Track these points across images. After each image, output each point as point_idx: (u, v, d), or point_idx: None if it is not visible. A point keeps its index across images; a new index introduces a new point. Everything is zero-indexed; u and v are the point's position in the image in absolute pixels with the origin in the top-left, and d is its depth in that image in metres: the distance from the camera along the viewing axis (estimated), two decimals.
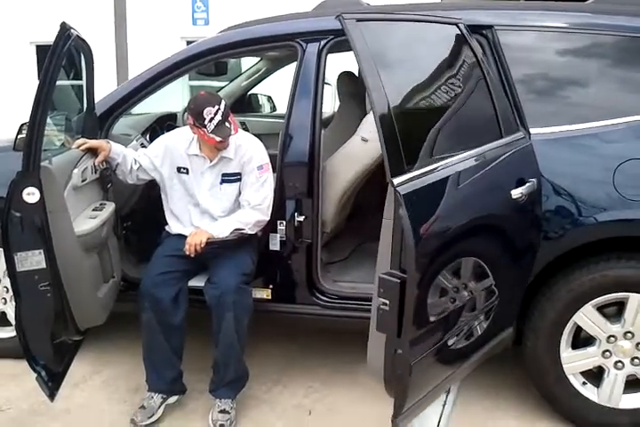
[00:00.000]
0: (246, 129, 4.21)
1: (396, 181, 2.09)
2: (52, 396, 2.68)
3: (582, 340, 2.79)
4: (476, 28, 2.77)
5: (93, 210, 2.98)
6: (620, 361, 2.73)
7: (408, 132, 2.21)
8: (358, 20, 2.19)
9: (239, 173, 2.98)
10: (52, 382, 2.67)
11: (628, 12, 2.87)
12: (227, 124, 2.79)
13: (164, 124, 4.06)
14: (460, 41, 2.66)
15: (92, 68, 3.14)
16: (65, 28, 2.65)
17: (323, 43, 3.02)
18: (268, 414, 3.00)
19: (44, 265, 2.56)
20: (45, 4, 12.00)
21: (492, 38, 2.82)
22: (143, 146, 3.42)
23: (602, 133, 2.71)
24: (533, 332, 2.79)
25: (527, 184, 2.57)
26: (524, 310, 2.81)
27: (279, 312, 3.17)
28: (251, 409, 3.01)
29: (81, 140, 2.98)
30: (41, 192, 2.52)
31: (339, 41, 3.01)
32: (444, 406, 3.00)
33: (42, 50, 12.65)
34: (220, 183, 2.99)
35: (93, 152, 3.00)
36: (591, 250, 2.71)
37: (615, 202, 2.63)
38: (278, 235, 3.05)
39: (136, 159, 3.07)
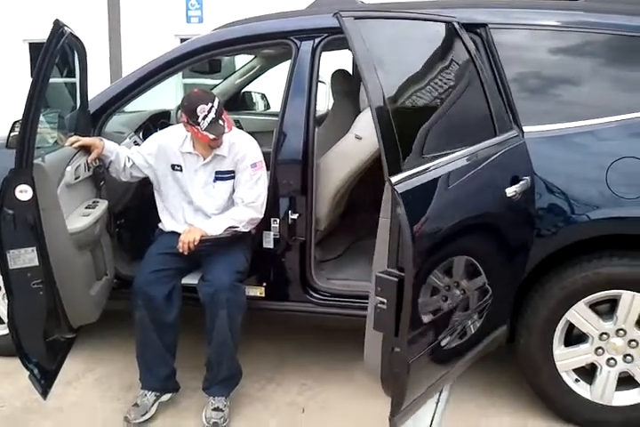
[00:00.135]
0: (240, 127, 4.21)
1: (394, 179, 2.09)
2: (44, 394, 2.67)
3: (575, 337, 2.80)
4: (469, 27, 2.77)
5: (86, 208, 2.97)
6: (612, 358, 2.74)
7: (405, 130, 2.22)
8: (356, 18, 2.19)
9: (233, 171, 2.98)
10: (44, 379, 2.67)
11: (621, 11, 2.87)
12: (220, 121, 2.79)
13: (158, 121, 4.05)
14: (455, 39, 2.66)
15: (85, 66, 3.13)
16: (58, 26, 2.64)
17: (317, 41, 3.01)
18: (261, 411, 3.00)
19: (36, 263, 2.56)
20: (38, 2, 11.97)
21: (485, 36, 2.82)
22: (136, 144, 3.42)
23: (595, 131, 2.71)
24: (526, 329, 2.79)
25: (521, 182, 2.58)
26: (516, 307, 2.81)
27: (273, 310, 3.17)
28: (244, 407, 3.01)
29: (74, 138, 2.98)
30: (34, 190, 2.51)
31: (333, 39, 3.01)
32: (437, 403, 3.00)
33: (35, 47, 12.63)
34: (214, 181, 2.99)
35: (86, 150, 3.00)
36: (584, 248, 2.71)
37: (608, 200, 2.63)
38: (272, 233, 3.06)
39: (129, 157, 3.07)
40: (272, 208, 3.01)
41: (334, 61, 4.16)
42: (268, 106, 5.76)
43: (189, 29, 11.37)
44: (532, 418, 2.91)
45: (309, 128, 3.00)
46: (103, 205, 3.07)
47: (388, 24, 2.47)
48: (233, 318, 2.83)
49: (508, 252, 2.70)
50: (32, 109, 2.49)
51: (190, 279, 3.01)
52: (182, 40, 9.81)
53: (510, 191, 2.52)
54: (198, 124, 2.76)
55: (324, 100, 5.43)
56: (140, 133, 3.75)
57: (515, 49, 2.84)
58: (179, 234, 2.88)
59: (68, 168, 2.82)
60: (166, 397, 2.99)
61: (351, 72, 4.29)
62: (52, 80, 2.60)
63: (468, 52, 2.68)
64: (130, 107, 3.52)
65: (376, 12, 2.56)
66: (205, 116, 2.74)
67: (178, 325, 2.92)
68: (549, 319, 2.75)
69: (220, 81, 5.30)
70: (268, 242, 3.07)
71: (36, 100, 2.50)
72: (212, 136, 2.79)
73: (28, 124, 2.49)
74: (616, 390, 2.76)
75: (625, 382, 2.77)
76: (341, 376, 3.27)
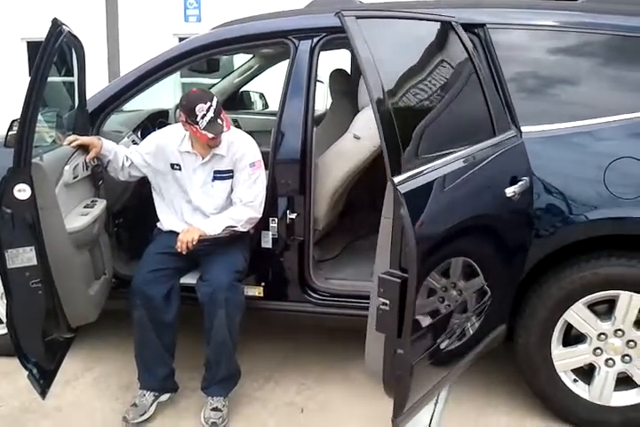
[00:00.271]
0: (238, 126, 4.20)
1: (397, 179, 2.08)
2: (43, 393, 2.67)
3: (573, 337, 2.80)
4: (468, 27, 2.77)
5: (85, 207, 2.97)
6: (610, 359, 2.74)
7: (407, 130, 2.21)
8: (358, 18, 2.18)
9: (231, 171, 2.97)
10: (43, 379, 2.66)
11: (619, 11, 2.87)
12: (219, 120, 2.79)
13: (156, 121, 4.05)
14: (455, 39, 2.66)
15: (83, 65, 3.12)
16: (56, 25, 2.63)
17: (315, 40, 3.01)
18: (260, 411, 3.00)
19: (35, 262, 2.55)
20: (37, 1, 11.94)
21: (483, 36, 2.83)
22: (135, 143, 3.41)
23: (593, 132, 2.72)
24: (524, 329, 2.80)
25: (520, 182, 2.58)
26: (515, 307, 2.81)
27: (271, 310, 3.17)
28: (243, 407, 3.01)
29: (72, 137, 2.97)
30: (32, 189, 2.51)
31: (331, 38, 3.01)
32: (435, 403, 3.00)
33: (33, 46, 12.61)
34: (212, 180, 2.99)
35: (85, 149, 2.99)
36: (582, 248, 2.72)
37: (606, 200, 2.64)
38: (270, 232, 3.05)
39: (128, 156, 3.07)
40: (270, 208, 3.01)
41: (333, 61, 4.16)
42: (266, 105, 5.75)
43: (187, 28, 11.36)
44: (530, 417, 2.92)
45: (308, 128, 3.00)
46: (102, 204, 3.07)
47: (389, 24, 2.47)
48: (231, 318, 2.83)
49: (507, 252, 2.70)
50: (30, 108, 2.49)
51: (189, 279, 3.01)
52: (180, 39, 9.83)
53: (509, 192, 2.52)
54: (197, 123, 2.76)
55: (323, 100, 5.44)
56: (139, 133, 3.75)
57: (513, 49, 2.85)
58: (177, 233, 2.88)
59: (67, 167, 2.82)
60: (165, 397, 2.98)
61: (349, 72, 4.29)
62: (50, 79, 2.60)
63: (468, 52, 2.68)
64: (128, 106, 3.52)
65: (377, 12, 2.56)
66: (204, 115, 2.74)
67: (176, 324, 2.92)
68: (548, 320, 2.75)
69: (218, 80, 5.30)
70: (267, 242, 3.07)
71: (35, 99, 2.50)
72: (210, 135, 2.79)
73: (26, 123, 2.49)
74: (614, 390, 2.76)
75: (623, 382, 2.77)
76: (341, 376, 3.27)
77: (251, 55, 4.97)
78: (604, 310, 2.74)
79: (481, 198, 2.53)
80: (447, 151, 2.36)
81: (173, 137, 3.00)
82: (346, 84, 3.95)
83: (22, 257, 2.54)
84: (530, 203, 2.67)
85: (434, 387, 2.43)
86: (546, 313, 2.74)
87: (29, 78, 2.53)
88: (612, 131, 2.70)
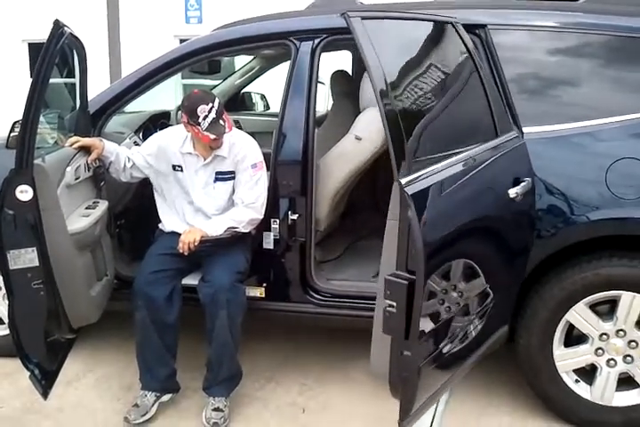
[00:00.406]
0: (240, 127, 4.21)
1: (404, 180, 2.06)
2: (45, 394, 2.67)
3: (575, 338, 2.80)
4: (469, 27, 2.78)
5: (86, 208, 2.97)
6: (612, 359, 2.74)
7: (413, 132, 2.21)
8: (363, 19, 2.18)
9: (233, 172, 2.98)
10: (45, 380, 2.67)
11: (620, 12, 2.88)
12: (221, 121, 2.79)
13: (158, 122, 4.06)
14: (456, 40, 2.66)
15: (85, 66, 3.13)
16: (58, 26, 2.64)
17: (316, 41, 3.01)
18: (261, 411, 3.00)
19: (37, 263, 2.56)
20: (38, 2, 11.97)
21: (484, 37, 2.83)
22: (136, 144, 3.42)
23: (594, 132, 2.72)
24: (526, 330, 2.79)
25: (522, 183, 2.58)
26: (516, 308, 2.81)
27: (273, 310, 3.17)
28: (244, 407, 3.01)
29: (74, 139, 2.98)
30: (34, 190, 2.51)
31: (332, 40, 3.01)
32: (437, 403, 3.00)
33: (34, 48, 12.62)
34: (214, 181, 2.99)
35: (86, 150, 3.00)
36: (583, 248, 2.72)
37: (607, 201, 2.64)
38: (272, 233, 3.06)
39: (129, 157, 3.07)
40: (272, 209, 3.01)
41: (334, 62, 4.16)
42: (267, 106, 5.76)
43: (189, 30, 11.37)
44: (532, 418, 2.92)
45: (309, 129, 3.00)
46: (103, 205, 3.07)
47: (394, 25, 2.47)
48: (233, 319, 2.83)
49: (511, 253, 2.71)
50: (32, 110, 2.49)
51: (190, 280, 3.01)
52: (181, 41, 9.81)
53: (512, 193, 2.52)
54: (199, 124, 2.76)
55: (324, 101, 5.44)
56: (140, 134, 3.75)
57: (514, 50, 2.85)
58: (179, 234, 2.88)
59: (69, 169, 2.83)
60: (166, 397, 2.99)
61: (350, 73, 4.29)
62: (51, 80, 2.60)
63: (470, 53, 2.68)
64: (130, 107, 3.52)
65: (382, 13, 2.55)
66: (206, 116, 2.75)
67: (178, 325, 2.92)
68: (549, 320, 2.75)
69: (219, 82, 5.30)
70: (268, 243, 3.07)
71: (36, 100, 2.50)
72: (212, 136, 2.79)
73: (28, 124, 2.49)
74: (616, 390, 2.76)
75: (625, 382, 2.77)
76: (342, 376, 3.27)
77: (252, 56, 4.98)
78: (606, 310, 2.74)
79: (486, 200, 2.53)
80: (452, 152, 2.36)
81: (175, 138, 3.01)
82: (347, 85, 3.96)
83: (24, 258, 2.54)
84: (532, 204, 2.67)
85: (439, 389, 2.42)
86: (547, 314, 2.74)
87: (31, 80, 2.53)
88: (614, 131, 2.70)
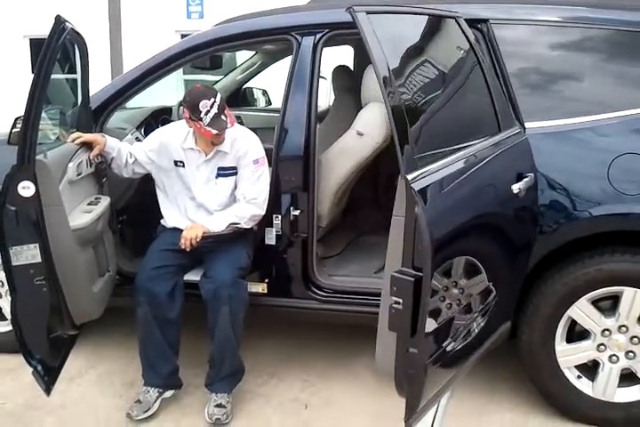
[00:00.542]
0: (242, 123, 4.20)
1: (410, 176, 2.04)
2: (47, 390, 2.68)
3: (577, 334, 2.80)
4: (471, 22, 2.76)
5: (89, 204, 2.97)
6: (614, 355, 2.74)
7: (418, 127, 2.20)
8: (368, 13, 2.18)
9: (235, 167, 2.98)
10: (47, 376, 2.67)
11: (622, 6, 2.86)
12: (223, 116, 2.79)
13: (159, 118, 4.05)
14: (459, 35, 2.65)
15: (86, 62, 3.12)
16: (59, 22, 2.63)
17: (318, 36, 3.00)
18: (263, 407, 3.00)
19: (39, 259, 2.56)
20: None
21: (487, 32, 2.82)
22: (138, 140, 3.41)
23: (596, 128, 2.71)
24: (528, 326, 2.79)
25: (525, 179, 2.58)
26: (518, 304, 2.81)
27: (275, 306, 3.17)
28: (247, 403, 3.02)
29: (76, 134, 2.97)
30: (36, 186, 2.51)
31: (334, 35, 3.00)
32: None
33: (35, 43, 12.61)
34: (216, 177, 2.99)
35: (88, 146, 2.99)
36: (586, 244, 2.71)
37: (610, 196, 2.63)
38: (274, 229, 3.06)
39: (131, 153, 3.07)
40: (274, 204, 3.01)
41: (336, 57, 4.15)
42: (269, 102, 5.75)
43: (190, 25, 11.34)
44: (534, 414, 2.92)
45: (311, 124, 3.00)
46: (105, 201, 3.07)
47: (398, 19, 2.46)
48: (235, 315, 2.83)
49: (514, 248, 2.70)
50: (34, 106, 2.49)
51: (192, 276, 3.02)
52: (183, 36, 9.78)
53: (515, 188, 2.52)
54: (201, 119, 2.75)
55: (326, 96, 5.43)
56: (142, 130, 3.74)
57: (516, 44, 2.84)
58: (181, 230, 2.89)
59: (70, 164, 2.82)
60: (169, 393, 2.99)
61: (352, 68, 4.28)
62: (53, 76, 2.59)
63: (472, 47, 2.67)
64: (131, 103, 3.52)
65: (387, 7, 2.54)
66: (208, 111, 2.74)
67: (180, 321, 2.92)
68: (551, 316, 2.74)
69: (221, 77, 5.29)
70: (270, 238, 3.07)
71: (38, 96, 2.50)
72: (214, 131, 2.79)
73: (29, 120, 2.49)
74: (618, 386, 2.76)
75: (627, 378, 2.76)
76: (344, 372, 3.27)
77: (253, 52, 4.97)
78: (608, 306, 2.74)
79: (490, 195, 2.52)
80: (456, 147, 2.35)
81: (177, 134, 3.00)
82: (349, 80, 3.95)
83: (27, 254, 2.54)
84: (534, 199, 2.67)
85: (444, 386, 2.41)
86: (549, 309, 2.74)
87: (33, 76, 2.53)
88: (616, 127, 2.70)
